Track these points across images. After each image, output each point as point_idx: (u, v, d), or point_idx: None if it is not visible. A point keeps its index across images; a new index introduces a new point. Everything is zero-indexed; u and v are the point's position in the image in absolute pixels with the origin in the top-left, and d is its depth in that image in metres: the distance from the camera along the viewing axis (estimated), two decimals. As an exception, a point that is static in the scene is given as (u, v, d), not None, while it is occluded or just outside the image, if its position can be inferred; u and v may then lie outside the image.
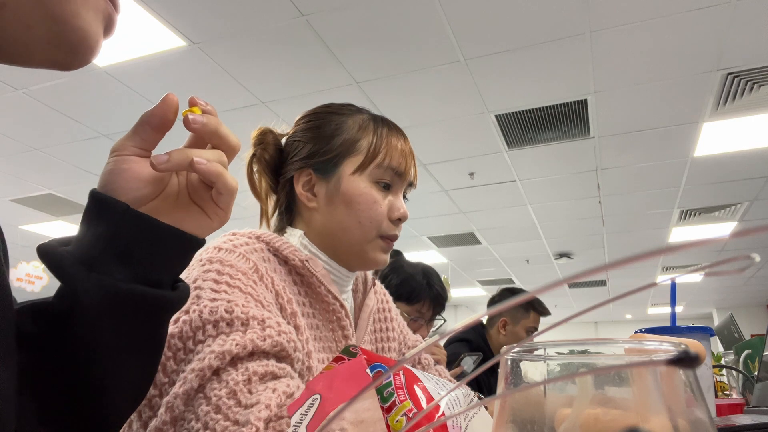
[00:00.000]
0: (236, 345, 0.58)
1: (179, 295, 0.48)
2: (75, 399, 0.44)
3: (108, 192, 0.46)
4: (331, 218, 0.81)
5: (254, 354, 0.59)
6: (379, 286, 0.99)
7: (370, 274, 0.97)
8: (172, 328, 0.60)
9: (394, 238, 0.84)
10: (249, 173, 0.87)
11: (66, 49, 0.39)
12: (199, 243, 0.50)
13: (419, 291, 1.91)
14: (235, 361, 0.58)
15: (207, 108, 0.49)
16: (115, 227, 0.45)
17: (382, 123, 0.86)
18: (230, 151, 0.50)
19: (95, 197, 0.46)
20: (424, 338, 1.42)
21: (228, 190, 0.49)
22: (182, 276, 0.69)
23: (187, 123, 0.47)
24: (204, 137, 0.50)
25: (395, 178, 0.83)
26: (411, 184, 0.87)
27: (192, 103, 0.49)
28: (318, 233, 0.83)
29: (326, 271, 0.81)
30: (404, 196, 0.88)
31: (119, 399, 0.47)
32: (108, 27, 0.42)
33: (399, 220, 0.83)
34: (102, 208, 0.45)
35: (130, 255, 0.45)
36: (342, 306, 0.79)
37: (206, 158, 0.47)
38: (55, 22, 0.38)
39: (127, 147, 0.47)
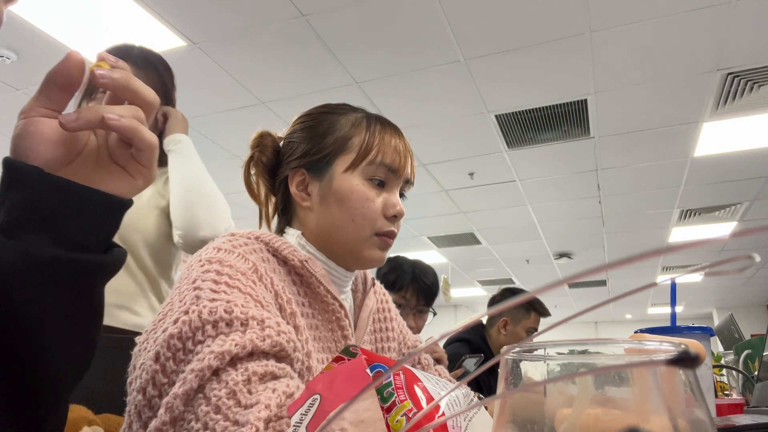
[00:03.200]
0: (236, 345, 0.58)
1: (112, 259, 0.47)
2: (12, 372, 0.43)
3: (19, 157, 0.45)
4: (325, 217, 0.81)
5: (254, 354, 0.59)
6: (379, 286, 0.99)
7: (369, 273, 0.96)
8: (171, 329, 0.60)
9: (392, 234, 0.82)
10: (246, 176, 0.87)
11: None
12: (125, 204, 0.49)
13: (403, 277, 1.99)
14: (234, 361, 0.58)
15: (117, 64, 0.48)
16: (31, 192, 0.44)
17: (375, 120, 0.84)
18: (147, 107, 0.49)
19: (7, 164, 0.44)
20: (411, 327, 1.43)
21: (147, 146, 0.48)
22: (182, 275, 0.69)
23: (93, 78, 0.46)
24: (116, 93, 0.48)
25: (389, 175, 0.82)
26: (408, 182, 0.86)
27: (100, 58, 0.47)
28: (314, 233, 0.83)
29: (325, 272, 0.80)
30: (403, 195, 0.87)
31: (59, 369, 0.45)
32: None
33: (395, 217, 0.82)
34: (15, 175, 0.44)
35: (49, 220, 0.44)
36: (341, 306, 0.79)
37: (119, 114, 0.46)
38: None
39: (34, 108, 0.46)
